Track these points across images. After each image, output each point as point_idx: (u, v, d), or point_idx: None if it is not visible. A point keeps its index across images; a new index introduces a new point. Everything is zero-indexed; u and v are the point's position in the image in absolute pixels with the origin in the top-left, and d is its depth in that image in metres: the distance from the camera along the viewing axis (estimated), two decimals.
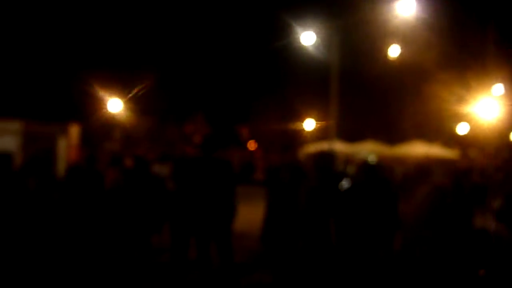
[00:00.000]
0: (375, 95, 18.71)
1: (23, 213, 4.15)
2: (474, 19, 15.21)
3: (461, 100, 11.69)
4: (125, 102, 12.46)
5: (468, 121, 14.99)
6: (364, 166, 5.78)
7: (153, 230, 5.40)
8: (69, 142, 10.81)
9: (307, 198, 4.89)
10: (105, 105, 12.37)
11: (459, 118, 14.97)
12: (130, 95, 12.32)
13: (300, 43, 12.39)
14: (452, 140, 17.43)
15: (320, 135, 15.96)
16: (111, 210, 5.24)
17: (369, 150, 16.13)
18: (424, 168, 9.05)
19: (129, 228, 5.27)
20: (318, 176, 7.04)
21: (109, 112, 12.60)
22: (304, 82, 17.74)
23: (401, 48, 13.34)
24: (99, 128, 16.48)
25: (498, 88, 13.14)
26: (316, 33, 12.33)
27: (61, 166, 10.12)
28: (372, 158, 15.71)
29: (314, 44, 12.57)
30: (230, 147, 21.42)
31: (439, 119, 15.54)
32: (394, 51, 13.52)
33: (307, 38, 12.27)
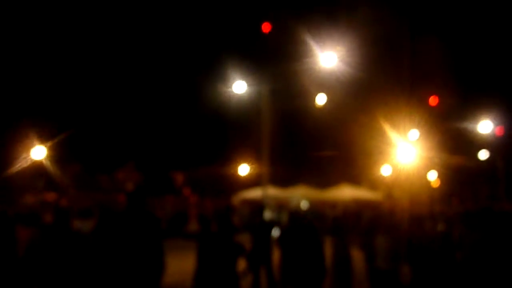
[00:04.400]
0: (305, 140, 19.50)
1: None
2: (389, 70, 16.73)
3: (383, 145, 12.57)
4: (49, 149, 11.81)
5: (390, 164, 16.07)
6: (291, 215, 6.03)
7: None
8: None
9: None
10: (27, 152, 11.62)
11: (382, 161, 16.01)
12: (55, 141, 11.73)
13: (232, 91, 12.76)
14: (377, 182, 18.49)
15: (254, 181, 16.16)
16: (24, 277, 4.78)
17: (301, 195, 16.58)
18: (354, 211, 9.49)
19: None
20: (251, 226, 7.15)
21: (32, 160, 11.83)
22: (236, 129, 18.10)
23: (328, 98, 14.20)
24: (19, 178, 15.34)
25: (414, 134, 14.35)
26: (247, 82, 12.80)
27: None
28: (304, 204, 16.18)
29: (245, 93, 13.00)
30: (164, 194, 20.94)
31: (364, 163, 16.52)
32: (320, 100, 14.35)
33: (239, 87, 12.68)
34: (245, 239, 7.18)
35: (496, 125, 15.81)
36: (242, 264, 4.78)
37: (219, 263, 4.61)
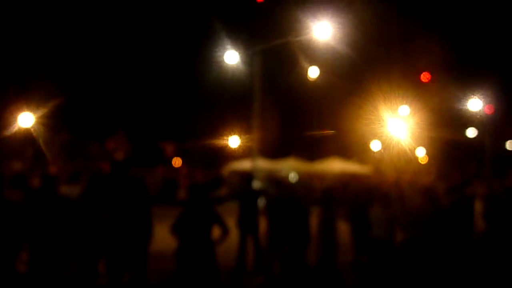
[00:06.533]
0: (296, 113, 19.50)
1: None
2: (382, 43, 16.64)
3: (372, 119, 12.60)
4: (38, 116, 11.65)
5: (379, 139, 16.20)
6: (278, 185, 6.11)
7: (62, 259, 5.00)
8: None
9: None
10: (15, 119, 11.45)
11: (372, 136, 16.12)
12: (45, 108, 11.56)
13: (223, 61, 12.60)
14: (366, 156, 18.67)
15: (243, 152, 16.21)
16: (14, 237, 4.79)
17: (290, 167, 16.70)
18: (342, 183, 9.64)
19: (32, 258, 4.84)
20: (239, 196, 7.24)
21: (20, 127, 11.68)
22: (227, 99, 18.01)
23: (320, 71, 14.11)
24: (7, 145, 15.20)
25: (404, 109, 14.41)
26: (239, 52, 12.64)
27: None
28: (293, 176, 16.32)
29: (237, 63, 12.86)
30: (154, 165, 20.93)
31: (354, 138, 16.60)
32: (313, 73, 14.26)
33: (231, 57, 12.53)
34: (233, 208, 7.28)
35: (486, 103, 15.91)
36: (217, 232, 4.91)
37: (194, 231, 4.76)
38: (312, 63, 14.03)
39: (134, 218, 4.83)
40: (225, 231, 4.87)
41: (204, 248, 4.75)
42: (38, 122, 11.78)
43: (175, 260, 4.84)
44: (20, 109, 11.31)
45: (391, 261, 5.98)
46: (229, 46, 12.56)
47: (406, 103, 14.35)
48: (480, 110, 16.00)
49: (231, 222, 6.82)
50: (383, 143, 16.01)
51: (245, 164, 17.07)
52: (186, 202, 5.06)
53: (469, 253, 5.69)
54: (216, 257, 4.85)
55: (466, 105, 15.68)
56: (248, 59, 13.63)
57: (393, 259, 5.99)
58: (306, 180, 15.52)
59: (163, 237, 5.35)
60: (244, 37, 13.68)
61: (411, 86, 14.58)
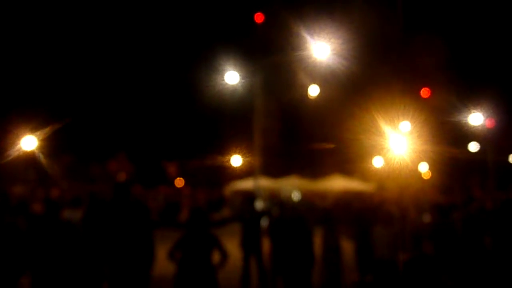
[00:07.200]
0: (297, 131, 19.53)
1: None
2: (383, 62, 16.75)
3: (375, 136, 12.58)
4: (40, 139, 11.69)
5: (382, 155, 16.15)
6: (281, 206, 6.09)
7: (64, 284, 4.93)
8: None
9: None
10: (17, 142, 11.50)
11: (374, 153, 16.09)
12: (47, 131, 11.61)
13: (224, 82, 12.69)
14: (369, 173, 18.58)
15: (246, 171, 16.18)
16: (15, 264, 4.75)
17: (293, 186, 16.63)
18: (344, 202, 9.58)
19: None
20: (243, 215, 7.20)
21: (22, 150, 11.71)
22: (229, 119, 18.08)
23: (320, 89, 14.19)
24: (9, 169, 15.22)
25: (406, 125, 14.40)
26: (239, 72, 12.74)
27: None
28: (295, 194, 16.24)
29: (237, 83, 12.94)
30: (157, 185, 20.91)
31: (357, 155, 16.56)
32: (313, 91, 14.34)
33: (231, 77, 12.62)
34: (236, 229, 7.22)
35: (486, 117, 15.89)
36: (216, 256, 4.84)
37: (194, 255, 4.70)
38: (313, 80, 14.12)
39: (136, 242, 4.80)
40: (224, 255, 4.79)
41: (203, 272, 4.68)
42: (40, 145, 11.81)
43: (173, 285, 4.76)
44: (22, 132, 11.36)
45: (395, 281, 5.90)
46: (229, 66, 12.67)
47: (407, 119, 14.35)
48: (481, 124, 15.98)
49: (234, 243, 6.77)
50: (385, 159, 15.95)
51: (247, 184, 17.01)
52: (186, 225, 5.01)
53: (480, 270, 5.58)
54: (217, 282, 4.78)
55: (467, 120, 15.65)
56: (249, 78, 13.73)
57: (397, 278, 5.91)
58: (308, 199, 15.44)
59: (164, 261, 5.30)
60: (245, 58, 13.81)
61: (411, 102, 14.59)
